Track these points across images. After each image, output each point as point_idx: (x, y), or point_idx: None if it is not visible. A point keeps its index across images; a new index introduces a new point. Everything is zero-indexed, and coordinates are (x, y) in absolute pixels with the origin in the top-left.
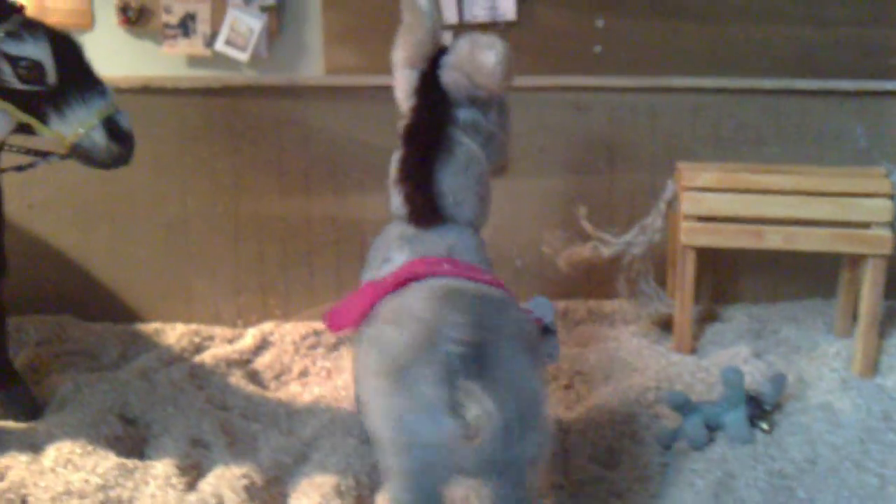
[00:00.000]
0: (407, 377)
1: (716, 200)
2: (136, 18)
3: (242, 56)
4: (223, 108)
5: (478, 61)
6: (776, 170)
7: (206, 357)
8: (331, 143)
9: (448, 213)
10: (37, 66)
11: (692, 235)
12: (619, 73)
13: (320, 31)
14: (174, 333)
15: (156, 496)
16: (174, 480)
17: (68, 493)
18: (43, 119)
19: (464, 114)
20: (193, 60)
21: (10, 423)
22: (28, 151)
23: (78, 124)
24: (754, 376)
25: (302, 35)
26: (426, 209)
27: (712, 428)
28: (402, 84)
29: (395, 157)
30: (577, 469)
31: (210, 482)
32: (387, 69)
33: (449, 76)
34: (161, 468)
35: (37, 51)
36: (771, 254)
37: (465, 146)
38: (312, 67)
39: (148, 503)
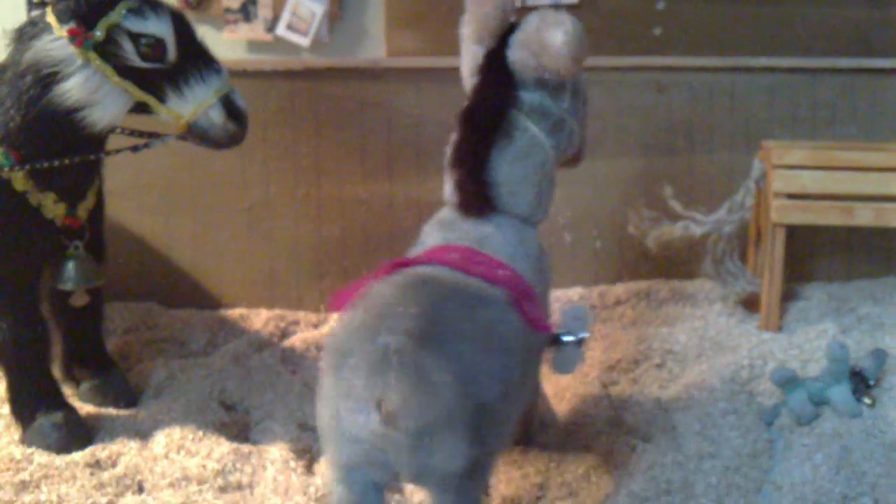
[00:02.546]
0: (344, 365)
1: (806, 177)
2: (196, 3)
3: (304, 41)
4: (305, 91)
5: (544, 40)
6: (865, 146)
7: (296, 341)
8: (414, 125)
9: (501, 203)
10: (159, 43)
11: (783, 213)
12: (681, 55)
13: (382, 14)
14: (259, 319)
15: (278, 480)
16: (293, 464)
17: (186, 478)
18: (161, 98)
19: (530, 96)
20: (254, 46)
21: (111, 410)
22: (139, 133)
23: (196, 103)
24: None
25: (363, 19)
26: (478, 198)
27: (816, 403)
28: (468, 61)
29: (452, 140)
30: (691, 446)
31: None
32: (451, 52)
33: (516, 55)
34: (277, 452)
35: (160, 27)
36: (844, 232)
37: (528, 132)
38: (374, 51)
39: (271, 487)
